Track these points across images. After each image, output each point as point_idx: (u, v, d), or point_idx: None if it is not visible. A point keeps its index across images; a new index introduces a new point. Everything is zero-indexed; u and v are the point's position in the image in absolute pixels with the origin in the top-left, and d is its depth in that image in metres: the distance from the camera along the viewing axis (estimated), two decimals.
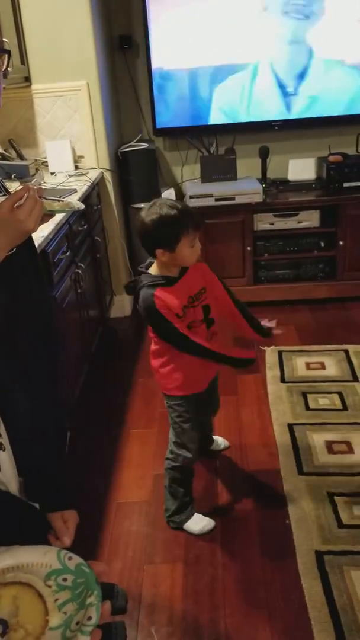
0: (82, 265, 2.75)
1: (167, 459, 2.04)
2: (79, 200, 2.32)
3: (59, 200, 1.21)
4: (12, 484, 1.06)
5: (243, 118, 3.70)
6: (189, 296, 1.84)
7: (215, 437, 2.43)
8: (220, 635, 1.67)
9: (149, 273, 1.84)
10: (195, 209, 3.37)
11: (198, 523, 2.03)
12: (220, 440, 2.43)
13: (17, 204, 1.02)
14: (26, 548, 0.78)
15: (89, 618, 0.70)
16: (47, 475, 1.15)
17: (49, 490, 1.14)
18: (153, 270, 1.84)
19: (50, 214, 1.14)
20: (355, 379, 2.86)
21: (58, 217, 2.26)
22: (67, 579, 0.74)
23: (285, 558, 1.89)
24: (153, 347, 1.95)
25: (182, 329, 1.80)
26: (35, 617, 0.71)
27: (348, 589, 1.76)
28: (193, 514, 2.05)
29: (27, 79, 3.19)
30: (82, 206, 1.22)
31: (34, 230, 1.06)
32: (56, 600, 0.73)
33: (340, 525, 1.99)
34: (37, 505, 1.12)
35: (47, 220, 1.14)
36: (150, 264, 1.86)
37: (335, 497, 2.12)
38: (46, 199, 1.10)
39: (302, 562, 1.86)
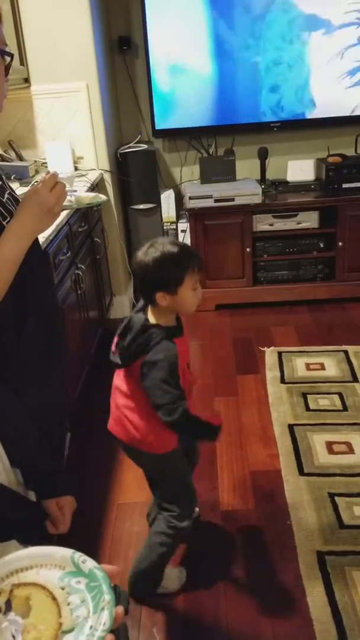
0: (82, 266, 2.75)
1: (163, 533, 1.74)
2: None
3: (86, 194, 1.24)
4: (2, 476, 1.07)
5: (242, 119, 3.70)
6: (186, 362, 1.65)
7: None
8: (222, 636, 1.67)
9: (156, 325, 1.58)
10: (198, 209, 3.44)
11: (177, 578, 1.85)
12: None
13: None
14: (41, 549, 0.78)
15: (103, 623, 0.69)
16: (40, 463, 1.15)
17: (42, 477, 1.14)
18: (150, 319, 1.61)
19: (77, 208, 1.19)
20: (355, 379, 2.86)
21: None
22: (80, 582, 0.74)
23: (287, 559, 1.89)
24: (142, 408, 1.64)
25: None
26: (48, 619, 0.70)
27: (350, 590, 1.76)
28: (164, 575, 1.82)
29: (27, 80, 3.19)
30: (106, 198, 1.26)
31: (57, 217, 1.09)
32: (69, 603, 0.72)
33: (342, 525, 1.99)
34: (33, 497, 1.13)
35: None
36: (144, 307, 1.63)
37: (336, 498, 2.12)
38: (71, 194, 1.14)
39: (303, 562, 1.86)
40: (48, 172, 1.12)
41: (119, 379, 1.72)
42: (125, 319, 1.64)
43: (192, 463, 1.90)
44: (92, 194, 1.35)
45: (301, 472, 2.26)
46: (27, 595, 0.73)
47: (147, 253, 1.55)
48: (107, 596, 0.72)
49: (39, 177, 3.07)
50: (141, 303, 1.65)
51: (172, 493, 1.75)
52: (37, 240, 1.15)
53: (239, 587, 1.82)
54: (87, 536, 1.99)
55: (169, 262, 1.54)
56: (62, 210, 1.13)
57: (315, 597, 1.75)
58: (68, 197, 1.13)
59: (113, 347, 1.66)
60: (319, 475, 2.24)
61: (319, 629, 1.65)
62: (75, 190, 2.62)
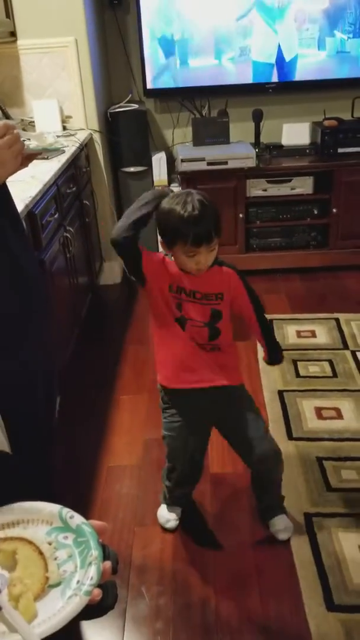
0: (70, 229, 2.70)
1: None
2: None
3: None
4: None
5: (236, 79, 3.61)
6: (193, 290, 1.60)
7: None
8: (210, 595, 1.69)
9: None
10: (191, 172, 3.36)
11: (164, 516, 1.92)
12: None
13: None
14: (27, 504, 0.78)
15: (90, 578, 0.69)
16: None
17: None
18: None
19: (30, 156, 1.12)
20: (345, 346, 2.86)
21: (45, 169, 2.19)
22: (67, 537, 0.74)
23: None
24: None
25: (160, 297, 1.61)
26: (34, 573, 0.70)
27: (336, 550, 1.78)
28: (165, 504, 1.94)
29: (13, 34, 3.08)
30: (63, 146, 1.21)
31: (15, 170, 1.03)
32: (56, 558, 0.72)
33: (329, 488, 2.01)
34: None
35: (26, 165, 1.11)
36: None
37: (324, 462, 2.13)
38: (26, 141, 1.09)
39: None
40: (3, 124, 1.05)
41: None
42: None
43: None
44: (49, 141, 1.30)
45: (290, 436, 2.27)
46: (14, 549, 0.73)
47: (168, 199, 1.53)
48: (95, 551, 0.72)
49: (25, 136, 2.99)
50: None
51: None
52: (6, 201, 1.11)
53: (226, 547, 1.84)
54: (77, 498, 1.99)
55: (168, 220, 1.51)
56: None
57: (301, 556, 1.77)
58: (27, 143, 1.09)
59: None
60: (307, 439, 2.25)
61: (305, 588, 1.67)
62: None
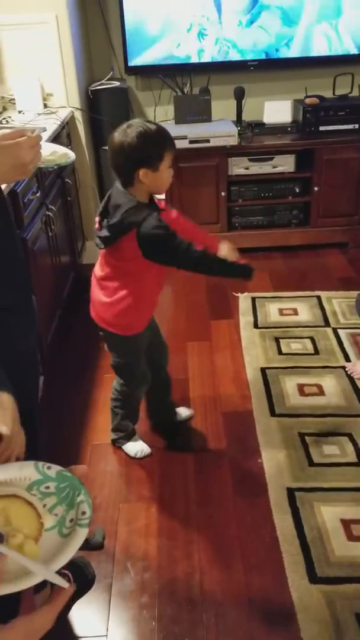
0: (52, 207, 2.67)
1: (113, 399, 2.12)
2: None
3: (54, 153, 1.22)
4: None
5: (218, 57, 3.58)
6: None
7: (177, 409, 2.31)
8: (194, 569, 1.72)
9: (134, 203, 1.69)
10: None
11: (135, 447, 2.13)
12: (182, 410, 2.31)
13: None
14: (1, 467, 0.79)
15: (83, 513, 0.72)
16: None
17: None
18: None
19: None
20: (327, 324, 2.89)
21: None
22: (49, 487, 0.75)
23: (258, 495, 1.94)
24: (112, 282, 1.84)
25: None
26: (29, 522, 0.72)
27: (318, 524, 1.82)
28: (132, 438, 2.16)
29: None
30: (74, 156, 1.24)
31: (21, 177, 1.06)
32: (44, 505, 0.74)
33: (311, 463, 2.05)
34: None
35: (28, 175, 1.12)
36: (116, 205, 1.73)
37: (306, 437, 2.16)
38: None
39: (273, 498, 1.91)
40: (35, 131, 1.06)
41: (99, 266, 1.89)
42: (104, 200, 1.76)
43: (164, 352, 2.15)
44: (62, 153, 1.32)
45: (272, 413, 2.30)
46: (2, 507, 0.74)
47: (126, 133, 1.64)
48: (82, 491, 0.74)
49: (6, 115, 2.94)
50: (114, 187, 1.75)
51: (123, 370, 2.04)
52: None
53: (210, 522, 1.87)
54: None
55: (151, 138, 1.64)
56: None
57: (284, 530, 1.80)
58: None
59: (97, 226, 1.79)
60: (290, 416, 2.28)
61: (288, 561, 1.71)
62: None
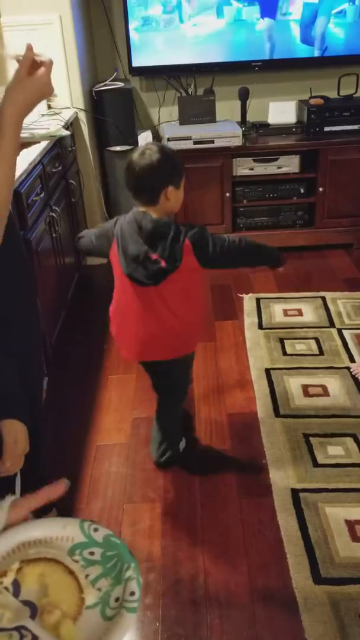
0: (56, 208, 2.67)
1: (171, 421, 2.08)
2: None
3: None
4: None
5: (222, 57, 3.57)
6: None
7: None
8: (199, 570, 1.72)
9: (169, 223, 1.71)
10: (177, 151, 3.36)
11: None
12: None
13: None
14: (40, 521, 0.68)
15: (132, 593, 0.61)
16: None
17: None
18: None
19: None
20: (331, 325, 2.88)
21: (30, 148, 2.17)
22: (94, 553, 0.65)
23: (262, 496, 1.94)
24: (178, 296, 1.77)
25: None
26: (68, 596, 0.61)
27: (322, 524, 1.81)
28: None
29: None
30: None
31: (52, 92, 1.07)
32: (87, 576, 0.63)
33: (316, 464, 2.04)
34: None
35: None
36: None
37: (310, 438, 2.16)
38: None
39: (278, 499, 1.91)
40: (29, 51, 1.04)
41: (140, 302, 1.79)
42: (137, 228, 1.71)
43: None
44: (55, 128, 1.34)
45: (277, 414, 2.29)
46: (40, 572, 0.63)
47: (145, 155, 1.67)
48: (131, 564, 0.63)
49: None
50: (128, 214, 1.74)
51: (184, 389, 2.08)
52: None
53: (214, 523, 1.87)
54: (66, 477, 2.00)
55: (173, 158, 1.70)
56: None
57: (289, 531, 1.80)
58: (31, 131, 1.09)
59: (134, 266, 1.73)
60: (294, 417, 2.27)
61: (292, 562, 1.70)
62: None
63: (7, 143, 0.98)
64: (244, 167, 3.51)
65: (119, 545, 0.65)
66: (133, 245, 1.70)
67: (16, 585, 0.61)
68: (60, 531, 0.66)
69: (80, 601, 0.61)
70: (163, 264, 1.68)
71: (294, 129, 3.59)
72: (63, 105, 3.20)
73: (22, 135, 1.07)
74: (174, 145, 3.41)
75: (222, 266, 1.89)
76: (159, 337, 1.83)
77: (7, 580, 0.61)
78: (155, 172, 1.67)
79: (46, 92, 1.03)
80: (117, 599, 0.61)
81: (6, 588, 0.61)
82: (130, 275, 1.72)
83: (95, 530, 0.66)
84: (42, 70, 1.01)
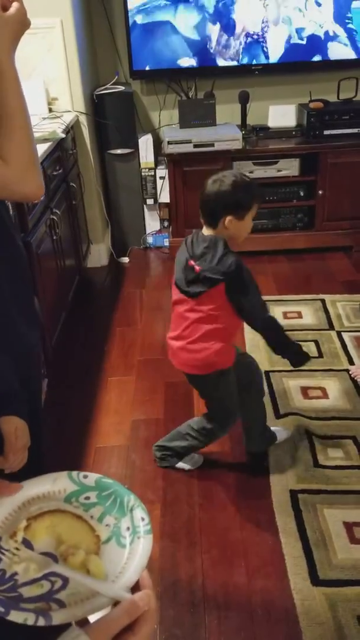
0: (57, 211, 2.69)
1: (196, 430, 2.01)
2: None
3: None
4: None
5: (223, 61, 3.59)
6: None
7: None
8: (197, 571, 1.72)
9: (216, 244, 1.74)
10: (177, 154, 3.38)
11: (190, 460, 2.08)
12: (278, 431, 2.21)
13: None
14: (30, 481, 0.71)
15: (142, 518, 0.64)
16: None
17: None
18: None
19: None
20: (331, 327, 2.89)
21: None
22: (89, 497, 0.68)
23: (261, 498, 1.94)
24: (208, 324, 1.79)
25: None
26: (83, 536, 0.64)
27: (321, 526, 1.81)
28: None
29: None
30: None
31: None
32: (92, 517, 0.66)
33: (315, 465, 2.04)
34: None
35: None
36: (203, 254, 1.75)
37: (311, 439, 2.16)
38: None
39: (277, 500, 1.91)
40: None
41: (190, 309, 1.82)
42: (196, 243, 1.78)
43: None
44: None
45: (277, 416, 2.30)
46: (47, 524, 0.66)
47: (217, 182, 1.74)
48: (130, 496, 0.67)
49: None
50: (193, 234, 1.82)
51: (213, 416, 1.99)
52: None
53: (213, 525, 1.87)
54: None
55: (243, 188, 1.73)
56: None
57: (287, 533, 1.80)
58: None
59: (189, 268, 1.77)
60: (294, 414, 2.27)
61: (290, 564, 1.71)
62: None
63: (10, 75, 1.07)
64: (244, 170, 3.52)
65: (112, 484, 0.68)
66: (181, 254, 1.82)
67: (27, 543, 0.64)
68: (52, 485, 0.69)
69: (96, 539, 0.64)
70: (197, 269, 1.74)
71: (293, 132, 3.60)
72: (64, 109, 3.21)
73: None
74: (174, 149, 3.43)
75: (246, 316, 1.83)
76: (180, 349, 1.88)
77: (18, 539, 0.64)
78: (218, 201, 1.73)
79: (26, 22, 1.09)
80: (127, 528, 0.64)
81: (17, 548, 0.63)
82: (175, 282, 1.83)
83: (85, 477, 0.70)
84: (15, 4, 1.07)
